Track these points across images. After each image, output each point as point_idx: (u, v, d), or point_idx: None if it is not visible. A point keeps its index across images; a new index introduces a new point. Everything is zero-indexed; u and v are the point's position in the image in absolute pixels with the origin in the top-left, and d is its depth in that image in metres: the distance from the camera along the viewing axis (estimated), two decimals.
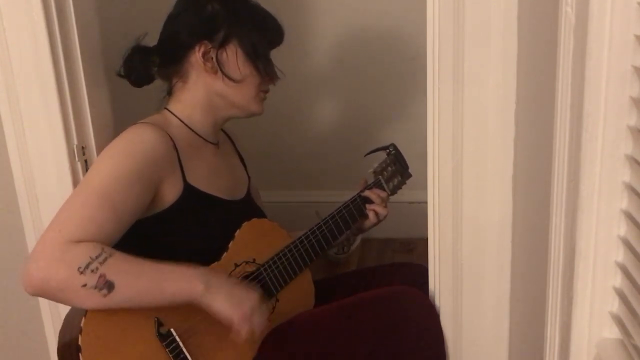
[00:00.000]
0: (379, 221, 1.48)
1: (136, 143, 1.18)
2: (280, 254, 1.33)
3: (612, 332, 0.82)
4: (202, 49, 1.27)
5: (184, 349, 1.13)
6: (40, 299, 1.39)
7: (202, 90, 1.30)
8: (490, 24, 1.07)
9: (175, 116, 1.31)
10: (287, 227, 1.41)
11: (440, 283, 1.25)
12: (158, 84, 1.37)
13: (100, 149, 1.31)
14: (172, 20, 1.32)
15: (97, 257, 1.04)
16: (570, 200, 0.81)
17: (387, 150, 1.55)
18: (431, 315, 1.27)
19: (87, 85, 1.30)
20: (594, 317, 0.82)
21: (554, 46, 0.82)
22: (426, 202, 1.22)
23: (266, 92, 1.35)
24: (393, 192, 1.54)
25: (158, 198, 1.20)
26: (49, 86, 1.25)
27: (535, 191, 1.02)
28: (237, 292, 1.15)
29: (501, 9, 1.06)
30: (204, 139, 1.33)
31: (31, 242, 1.37)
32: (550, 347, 0.90)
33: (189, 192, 1.24)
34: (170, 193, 1.21)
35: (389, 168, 1.53)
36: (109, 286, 1.04)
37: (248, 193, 1.44)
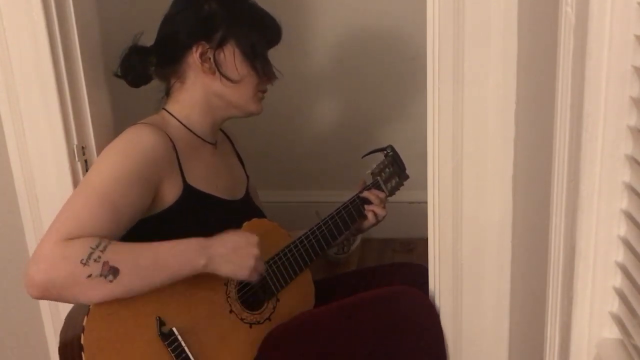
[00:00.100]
0: (377, 222, 1.48)
1: (136, 144, 1.18)
2: (281, 254, 1.34)
3: (612, 332, 0.82)
4: (199, 50, 1.27)
5: (185, 348, 1.13)
6: (42, 301, 1.39)
7: (200, 91, 1.30)
8: (490, 24, 1.07)
9: (174, 117, 1.30)
10: (287, 227, 1.41)
11: (440, 283, 1.25)
12: (156, 83, 1.37)
13: (100, 149, 1.31)
14: (169, 20, 1.31)
15: (97, 246, 1.04)
16: (570, 200, 0.81)
17: (385, 152, 1.56)
18: (431, 315, 1.27)
19: (87, 85, 1.30)
20: (594, 317, 0.82)
21: (554, 46, 0.82)
22: (426, 202, 1.22)
23: (264, 91, 1.35)
24: (391, 193, 1.55)
25: (158, 198, 1.20)
26: (49, 86, 1.25)
27: (535, 191, 1.02)
28: (237, 252, 1.16)
29: (501, 9, 1.06)
30: (202, 139, 1.33)
31: (31, 242, 1.37)
32: (550, 347, 0.90)
33: (189, 193, 1.24)
34: (170, 193, 1.21)
35: (387, 169, 1.54)
36: (114, 272, 1.04)
37: (247, 193, 1.44)
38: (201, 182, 1.27)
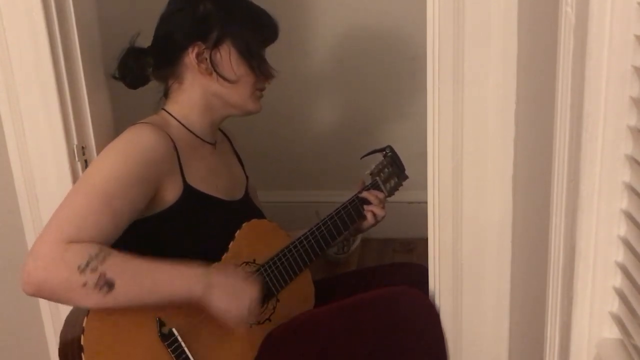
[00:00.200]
0: (376, 222, 1.48)
1: (136, 143, 1.18)
2: (280, 255, 1.34)
3: (612, 332, 0.82)
4: (195, 50, 1.26)
5: (185, 349, 1.13)
6: (41, 299, 1.39)
7: (198, 91, 1.30)
8: (490, 24, 1.07)
9: (173, 117, 1.30)
10: (286, 227, 1.41)
11: (440, 283, 1.25)
12: (156, 83, 1.37)
13: (100, 149, 1.31)
14: (164, 21, 1.31)
15: (96, 256, 1.04)
16: (570, 200, 0.81)
17: (384, 152, 1.56)
18: (431, 315, 1.27)
19: (87, 85, 1.30)
20: (594, 317, 0.82)
21: (554, 46, 0.82)
22: (426, 202, 1.22)
23: (262, 90, 1.35)
24: (390, 193, 1.55)
25: (158, 198, 1.20)
26: (49, 86, 1.25)
27: (535, 191, 1.02)
28: (236, 294, 1.15)
29: (501, 9, 1.06)
30: (201, 139, 1.33)
31: (31, 242, 1.36)
32: (550, 347, 0.90)
33: (189, 193, 1.24)
34: (170, 194, 1.21)
35: (386, 170, 1.54)
36: (109, 285, 1.04)
37: (246, 193, 1.44)
38: (201, 182, 1.27)
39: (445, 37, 1.09)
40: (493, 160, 1.14)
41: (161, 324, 1.12)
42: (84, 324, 1.05)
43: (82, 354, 1.03)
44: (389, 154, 1.55)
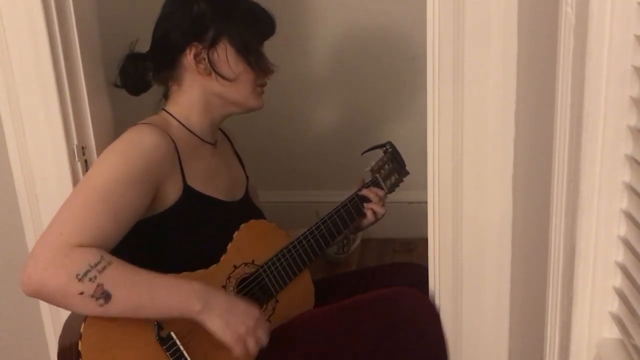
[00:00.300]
0: (376, 220, 1.48)
1: (137, 144, 1.18)
2: (279, 255, 1.33)
3: (612, 332, 0.82)
4: (193, 51, 1.26)
5: (184, 352, 1.13)
6: (41, 300, 1.39)
7: (198, 92, 1.30)
8: (490, 24, 1.07)
9: (173, 117, 1.30)
10: (286, 226, 1.41)
11: (440, 283, 1.25)
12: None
13: (100, 149, 1.31)
14: (160, 24, 1.31)
15: (96, 265, 1.03)
16: (570, 200, 0.81)
17: (384, 148, 1.55)
18: (431, 316, 1.27)
19: (87, 85, 1.30)
20: (594, 317, 0.82)
21: (554, 46, 0.82)
22: (426, 202, 1.22)
23: (263, 86, 1.34)
24: (391, 190, 1.54)
25: (158, 199, 1.20)
26: (49, 86, 1.25)
27: (535, 191, 1.02)
28: (234, 312, 1.13)
29: (501, 9, 1.06)
30: (201, 139, 1.32)
31: (31, 242, 1.37)
32: (550, 347, 0.90)
33: (188, 194, 1.23)
34: (170, 194, 1.21)
35: (386, 166, 1.53)
36: (106, 296, 1.03)
37: (246, 193, 1.44)
38: (201, 183, 1.27)
39: (445, 37, 1.09)
40: (493, 160, 1.14)
41: (159, 327, 1.11)
42: (81, 330, 1.05)
43: (80, 359, 1.03)
44: (390, 150, 1.55)
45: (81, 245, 1.04)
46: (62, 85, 1.26)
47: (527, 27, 1.03)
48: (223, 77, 1.27)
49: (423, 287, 1.30)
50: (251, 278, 1.29)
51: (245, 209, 1.40)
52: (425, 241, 1.26)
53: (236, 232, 1.29)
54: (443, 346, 1.27)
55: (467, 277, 1.22)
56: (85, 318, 1.05)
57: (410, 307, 1.29)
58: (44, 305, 1.41)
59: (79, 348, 1.04)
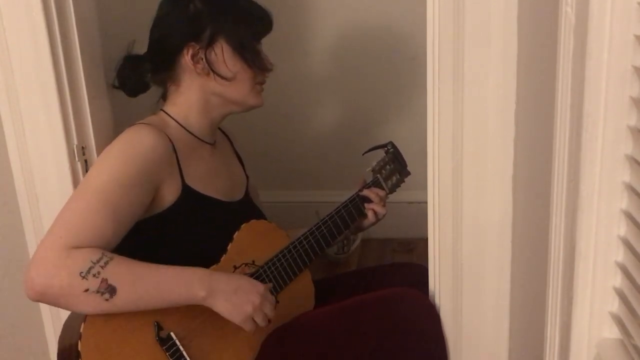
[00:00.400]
0: (377, 220, 1.48)
1: (136, 145, 1.18)
2: (280, 255, 1.33)
3: (612, 332, 0.82)
4: (190, 51, 1.26)
5: (184, 352, 1.13)
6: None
7: (197, 92, 1.29)
8: (490, 24, 1.07)
9: (172, 118, 1.30)
10: (286, 226, 1.41)
11: (440, 283, 1.25)
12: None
13: (100, 149, 1.31)
14: (156, 25, 1.30)
15: (98, 261, 1.03)
16: (570, 200, 0.81)
17: (385, 149, 1.55)
18: (432, 316, 1.27)
19: (87, 85, 1.30)
20: (594, 317, 0.82)
21: (554, 46, 0.82)
22: (426, 202, 1.22)
23: (262, 83, 1.33)
24: (392, 190, 1.54)
25: (157, 199, 1.20)
26: (49, 86, 1.25)
27: (535, 191, 1.02)
28: (239, 293, 1.14)
29: (501, 9, 1.06)
30: (200, 139, 1.32)
31: (31, 242, 1.37)
32: (550, 347, 0.90)
33: (188, 194, 1.23)
34: (169, 195, 1.21)
35: (387, 166, 1.53)
36: (111, 290, 1.03)
37: (246, 193, 1.44)
38: (200, 183, 1.27)
39: (445, 37, 1.09)
40: (493, 160, 1.14)
41: (159, 328, 1.11)
42: (81, 330, 1.05)
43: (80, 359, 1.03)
44: (391, 150, 1.55)
45: (81, 247, 1.05)
46: (62, 85, 1.26)
47: (527, 27, 1.03)
48: (221, 77, 1.27)
49: (423, 287, 1.30)
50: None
51: (246, 209, 1.40)
52: (425, 241, 1.26)
53: (236, 233, 1.29)
54: (443, 346, 1.27)
55: (467, 277, 1.22)
56: (85, 318, 1.05)
57: (410, 307, 1.29)
58: (44, 305, 1.41)
59: (79, 348, 1.04)
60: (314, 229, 1.39)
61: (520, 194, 1.13)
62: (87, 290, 1.02)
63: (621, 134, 0.75)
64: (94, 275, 1.03)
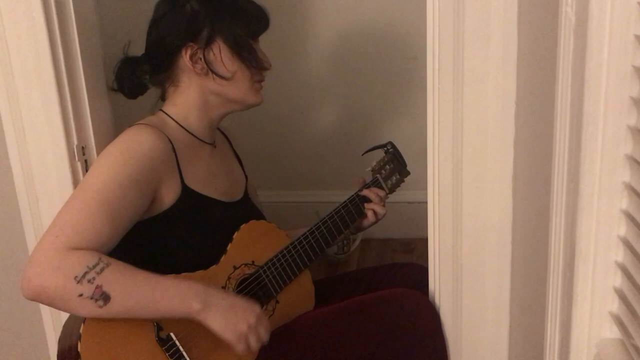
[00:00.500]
0: (377, 220, 1.48)
1: (135, 145, 1.17)
2: (279, 255, 1.33)
3: (612, 332, 0.82)
4: (188, 52, 1.26)
5: (184, 353, 1.12)
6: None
7: (196, 92, 1.29)
8: (490, 24, 1.07)
9: (172, 118, 1.30)
10: (286, 226, 1.41)
11: (440, 283, 1.25)
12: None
13: (100, 149, 1.31)
14: (153, 27, 1.30)
15: (94, 267, 1.03)
16: (570, 200, 0.81)
17: (385, 148, 1.55)
18: (432, 317, 1.27)
19: (87, 85, 1.30)
20: (594, 317, 0.82)
21: (554, 46, 0.82)
22: (426, 202, 1.22)
23: (261, 81, 1.33)
24: (391, 190, 1.54)
25: (156, 200, 1.19)
26: (49, 86, 1.25)
27: (535, 191, 1.02)
28: (235, 310, 1.13)
29: (501, 9, 1.06)
30: (200, 139, 1.32)
31: (31, 242, 1.37)
32: (550, 347, 0.90)
33: (187, 195, 1.23)
34: (169, 195, 1.21)
35: (387, 166, 1.53)
36: (105, 297, 1.03)
37: (246, 194, 1.44)
38: (199, 184, 1.27)
39: (445, 37, 1.09)
40: (493, 160, 1.14)
41: (159, 328, 1.11)
42: (80, 331, 1.05)
43: None
44: (390, 150, 1.55)
45: (79, 248, 1.05)
46: (62, 85, 1.26)
47: (527, 27, 1.03)
48: (220, 76, 1.27)
49: (423, 287, 1.30)
50: (251, 279, 1.29)
51: (245, 209, 1.39)
52: (425, 241, 1.26)
53: (236, 233, 1.29)
54: (443, 346, 1.27)
55: (467, 277, 1.22)
56: (84, 319, 1.05)
57: (410, 307, 1.29)
58: (44, 306, 1.41)
59: (79, 349, 1.04)
60: (313, 229, 1.39)
61: (520, 194, 1.13)
62: (81, 295, 1.02)
63: (621, 134, 0.75)
64: (89, 281, 1.02)
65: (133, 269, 1.08)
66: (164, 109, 1.31)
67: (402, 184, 1.58)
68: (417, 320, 1.28)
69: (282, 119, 2.36)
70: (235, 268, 1.27)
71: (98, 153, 1.31)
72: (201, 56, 1.26)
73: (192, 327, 1.16)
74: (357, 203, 1.46)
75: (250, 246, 1.30)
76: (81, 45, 1.28)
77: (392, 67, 2.30)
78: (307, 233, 1.38)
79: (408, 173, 1.58)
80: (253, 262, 1.30)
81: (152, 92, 1.37)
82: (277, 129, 2.40)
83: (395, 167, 1.55)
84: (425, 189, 1.22)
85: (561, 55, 0.80)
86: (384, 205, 1.48)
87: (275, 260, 1.32)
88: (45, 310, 1.42)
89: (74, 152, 1.30)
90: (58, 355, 1.09)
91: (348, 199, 1.46)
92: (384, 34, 2.28)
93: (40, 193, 1.33)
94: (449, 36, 1.09)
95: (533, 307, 1.04)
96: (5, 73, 1.26)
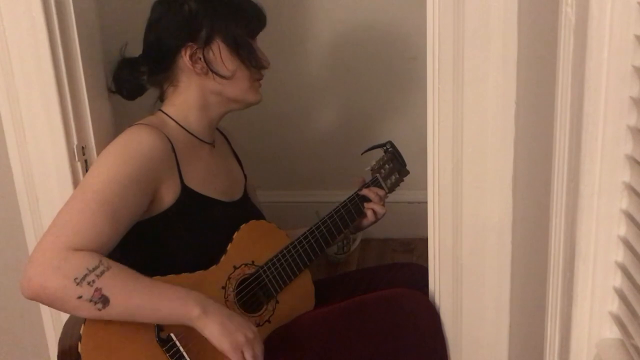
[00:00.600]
0: (377, 219, 1.48)
1: (134, 146, 1.17)
2: (279, 255, 1.33)
3: (612, 332, 0.82)
4: (188, 52, 1.26)
5: (184, 353, 1.12)
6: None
7: (196, 92, 1.29)
8: (490, 24, 1.07)
9: (171, 118, 1.30)
10: (286, 226, 1.41)
11: (440, 283, 1.25)
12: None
13: (100, 148, 1.31)
14: (152, 27, 1.30)
15: (94, 269, 1.03)
16: (570, 200, 0.81)
17: (385, 148, 1.55)
18: (432, 317, 1.27)
19: (87, 85, 1.30)
20: (594, 317, 0.82)
21: (554, 46, 0.82)
22: (426, 202, 1.22)
23: (260, 79, 1.34)
24: (391, 189, 1.54)
25: (156, 200, 1.19)
26: (49, 86, 1.25)
27: (535, 191, 1.02)
28: (233, 321, 1.13)
29: (501, 9, 1.06)
30: (199, 139, 1.32)
31: (31, 242, 1.37)
32: (550, 347, 0.90)
33: (186, 195, 1.23)
34: (168, 195, 1.21)
35: (387, 165, 1.53)
36: (104, 301, 1.03)
37: (245, 193, 1.44)
38: (199, 183, 1.27)
39: (445, 37, 1.09)
40: (493, 160, 1.14)
41: (159, 329, 1.11)
42: (81, 331, 1.05)
43: None
44: (390, 149, 1.55)
45: (79, 249, 1.05)
46: (62, 85, 1.26)
47: (527, 27, 1.03)
48: (220, 76, 1.27)
49: (423, 287, 1.30)
50: (251, 279, 1.29)
51: (245, 209, 1.39)
52: (425, 241, 1.26)
53: (236, 233, 1.29)
54: (443, 346, 1.27)
55: (467, 277, 1.22)
56: (85, 320, 1.05)
57: (411, 307, 1.29)
58: (44, 307, 1.41)
59: (79, 350, 1.04)
60: (313, 228, 1.39)
61: (520, 194, 1.13)
62: (80, 297, 1.02)
63: (621, 134, 0.75)
64: (89, 284, 1.02)
65: (133, 273, 1.09)
66: (163, 109, 1.31)
67: (402, 184, 1.58)
68: (417, 320, 1.28)
69: (282, 118, 2.36)
70: (235, 268, 1.27)
71: (98, 153, 1.31)
72: (201, 56, 1.26)
73: (192, 328, 1.16)
74: (357, 202, 1.46)
75: (250, 246, 1.30)
76: (81, 46, 1.28)
77: (392, 67, 2.30)
78: (307, 233, 1.38)
79: (407, 172, 1.58)
80: (253, 262, 1.30)
81: (152, 92, 1.37)
82: (277, 128, 2.40)
83: (395, 167, 1.55)
84: (425, 189, 1.22)
85: (561, 55, 0.80)
86: (383, 205, 1.48)
87: (275, 260, 1.32)
88: (45, 310, 1.42)
89: (74, 152, 1.30)
90: (58, 356, 1.09)
91: (348, 198, 1.46)
92: (384, 34, 2.28)
93: (40, 193, 1.33)
94: (449, 36, 1.09)
95: (533, 307, 1.04)
96: (5, 73, 1.26)
